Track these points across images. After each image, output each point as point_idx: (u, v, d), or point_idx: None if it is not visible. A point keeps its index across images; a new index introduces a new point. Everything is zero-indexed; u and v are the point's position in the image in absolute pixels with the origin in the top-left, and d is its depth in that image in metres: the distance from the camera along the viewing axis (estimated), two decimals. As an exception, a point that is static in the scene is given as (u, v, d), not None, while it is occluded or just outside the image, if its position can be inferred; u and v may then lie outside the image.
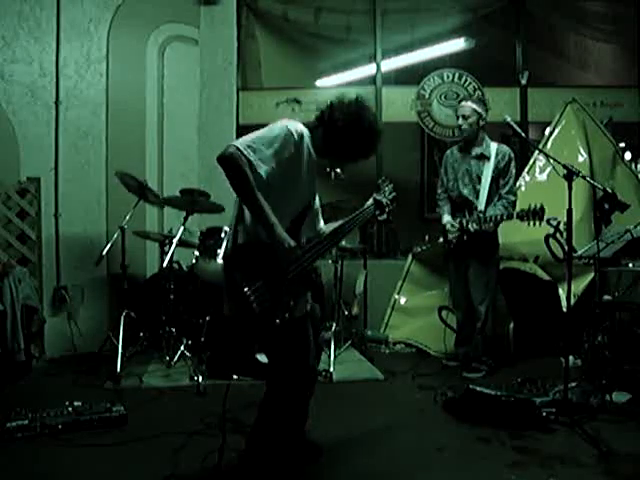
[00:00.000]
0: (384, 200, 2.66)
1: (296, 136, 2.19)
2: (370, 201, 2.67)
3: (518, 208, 3.85)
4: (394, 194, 2.77)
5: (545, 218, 3.68)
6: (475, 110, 3.99)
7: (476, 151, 4.05)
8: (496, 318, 4.32)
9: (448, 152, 4.30)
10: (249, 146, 2.08)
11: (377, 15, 5.67)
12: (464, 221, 3.98)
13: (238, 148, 2.06)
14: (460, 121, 4.04)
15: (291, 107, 5.59)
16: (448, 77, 5.60)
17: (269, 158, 2.11)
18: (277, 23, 5.87)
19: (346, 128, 2.27)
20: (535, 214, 3.60)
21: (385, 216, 2.70)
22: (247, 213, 2.21)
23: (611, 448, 2.71)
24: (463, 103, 4.09)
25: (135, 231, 4.36)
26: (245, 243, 2.21)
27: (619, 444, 2.76)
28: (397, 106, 5.63)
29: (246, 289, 2.09)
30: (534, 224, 3.64)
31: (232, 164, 2.06)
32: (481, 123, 4.01)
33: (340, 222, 2.49)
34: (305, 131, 2.26)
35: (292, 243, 2.14)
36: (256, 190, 2.08)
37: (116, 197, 4.70)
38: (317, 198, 2.54)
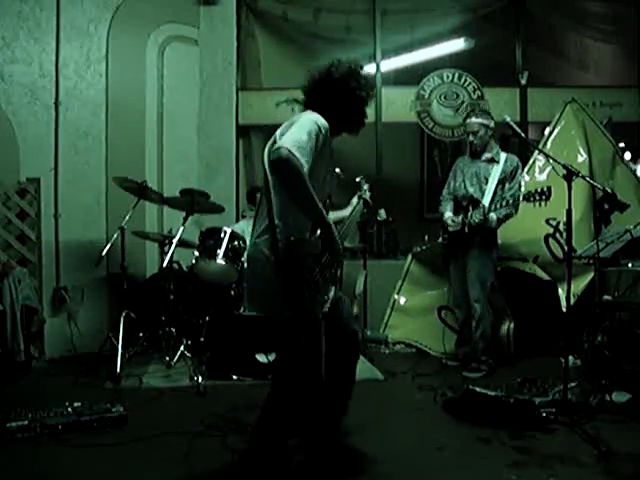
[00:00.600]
0: (368, 198, 2.69)
1: (323, 130, 2.17)
2: (355, 199, 2.69)
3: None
4: (370, 193, 2.78)
5: (545, 218, 3.68)
6: (482, 124, 4.11)
7: (486, 156, 4.16)
8: (496, 318, 4.33)
9: (459, 158, 4.42)
10: (297, 147, 2.03)
11: (377, 15, 5.68)
12: (467, 215, 4.03)
13: (290, 150, 2.00)
14: (470, 137, 4.18)
15: (291, 107, 5.59)
16: (448, 77, 5.61)
17: (309, 155, 2.08)
18: (277, 23, 5.87)
19: (340, 85, 2.27)
20: (542, 194, 3.59)
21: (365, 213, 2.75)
22: (287, 211, 2.18)
23: (611, 448, 2.71)
24: (469, 120, 4.18)
25: (135, 231, 4.36)
26: (296, 239, 2.17)
27: (619, 444, 2.76)
28: (397, 106, 5.64)
29: (314, 277, 2.12)
30: (539, 205, 3.63)
31: (290, 168, 2.00)
32: (490, 133, 4.14)
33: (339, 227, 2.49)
34: (325, 121, 2.21)
35: (339, 239, 2.20)
36: (310, 185, 2.06)
37: (116, 197, 4.70)
38: None
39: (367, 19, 5.73)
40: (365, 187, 2.75)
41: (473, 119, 4.14)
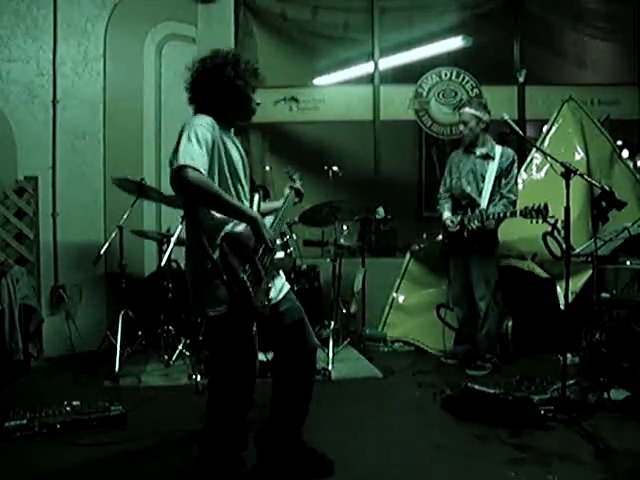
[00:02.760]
0: (299, 187, 2.74)
1: (209, 127, 2.17)
2: (287, 189, 2.72)
3: (520, 206, 3.86)
4: (301, 181, 2.81)
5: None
6: (474, 115, 4.07)
7: (481, 151, 4.11)
8: (497, 315, 4.33)
9: (453, 153, 4.38)
10: (192, 159, 2.04)
11: (375, 13, 5.68)
12: (465, 218, 4.02)
13: (187, 166, 2.02)
14: (461, 127, 4.16)
15: (289, 105, 5.59)
16: (446, 75, 5.61)
17: (206, 159, 2.10)
18: (275, 21, 5.86)
19: (214, 76, 2.28)
20: (539, 212, 3.62)
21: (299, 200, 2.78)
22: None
23: (609, 445, 2.71)
24: (462, 110, 4.17)
25: (133, 230, 4.36)
26: (225, 234, 2.15)
27: (617, 441, 2.76)
28: (395, 104, 5.64)
29: (242, 276, 2.10)
30: (537, 221, 3.66)
31: (194, 187, 2.03)
32: (482, 126, 4.09)
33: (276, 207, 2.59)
34: (209, 118, 2.22)
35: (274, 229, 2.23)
36: (221, 192, 2.11)
37: (114, 196, 4.69)
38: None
39: (365, 17, 5.73)
40: (295, 176, 2.80)
41: (466, 109, 4.12)
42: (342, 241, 4.79)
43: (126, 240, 4.20)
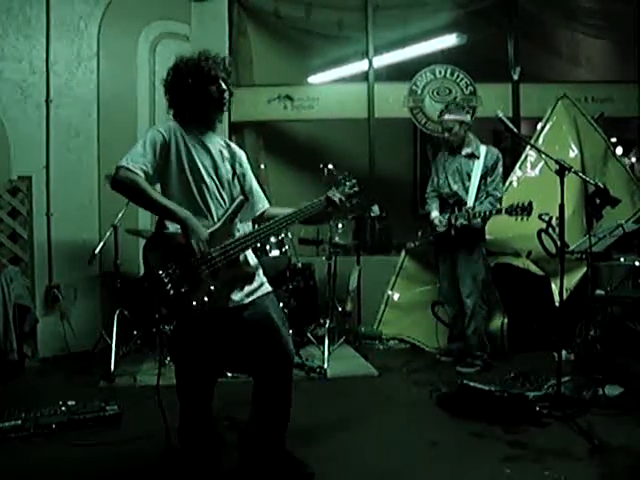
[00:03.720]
0: (337, 197, 2.48)
1: (163, 132, 2.28)
2: (322, 198, 2.52)
3: (507, 204, 3.88)
4: (356, 189, 2.62)
5: (537, 214, 3.70)
6: (455, 120, 4.10)
7: (466, 151, 4.15)
8: (489, 313, 4.34)
9: (439, 154, 4.41)
10: (129, 159, 2.20)
11: (369, 11, 5.66)
12: (452, 217, 4.06)
13: (121, 166, 2.18)
14: (446, 135, 4.18)
15: (283, 104, 5.58)
16: (440, 73, 5.61)
17: (147, 159, 2.21)
18: (269, 19, 5.85)
19: (178, 79, 2.39)
20: (523, 209, 3.65)
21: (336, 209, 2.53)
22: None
23: (603, 441, 2.72)
24: (442, 117, 4.20)
25: (128, 229, 4.34)
26: (160, 232, 2.26)
27: (612, 437, 2.78)
28: (389, 102, 5.63)
29: (160, 272, 2.13)
30: (522, 219, 3.68)
31: (120, 183, 2.17)
32: (465, 127, 4.13)
33: (287, 212, 2.43)
34: (171, 123, 2.34)
35: (201, 231, 2.18)
36: (147, 190, 2.16)
37: (108, 195, 4.62)
38: (252, 181, 2.55)
39: (359, 15, 5.72)
40: (348, 184, 2.60)
41: (446, 116, 4.15)
42: (337, 239, 4.79)
43: (121, 239, 4.19)
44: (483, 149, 4.12)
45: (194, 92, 2.35)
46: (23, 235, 4.43)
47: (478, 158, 4.10)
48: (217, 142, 2.43)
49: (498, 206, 3.97)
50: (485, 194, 4.06)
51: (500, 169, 4.14)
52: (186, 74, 2.36)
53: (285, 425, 2.44)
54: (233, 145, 2.55)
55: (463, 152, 4.15)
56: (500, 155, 4.15)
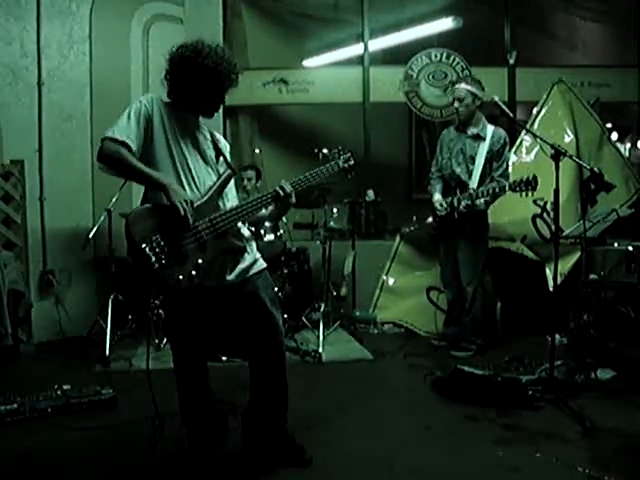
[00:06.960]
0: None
1: (146, 103, 2.27)
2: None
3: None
4: (351, 162, 2.54)
5: (532, 199, 3.69)
6: (469, 91, 3.97)
7: (472, 131, 4.04)
8: (484, 298, 4.36)
9: (445, 131, 4.29)
10: (114, 129, 2.18)
11: (365, -6, 5.60)
12: (455, 200, 3.98)
13: (105, 137, 2.16)
14: (455, 104, 4.02)
15: (278, 87, 5.53)
16: (436, 57, 5.57)
17: (130, 130, 2.18)
18: (264, 2, 5.79)
19: (182, 64, 2.28)
20: (528, 184, 3.60)
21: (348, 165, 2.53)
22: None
23: (595, 424, 2.76)
24: (457, 85, 4.06)
25: (122, 213, 4.30)
26: (142, 206, 2.24)
27: (603, 420, 2.81)
28: (385, 86, 5.59)
29: (143, 245, 2.09)
30: (527, 194, 3.63)
31: (103, 154, 2.15)
32: (477, 103, 3.99)
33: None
34: (154, 95, 2.33)
35: (186, 196, 2.15)
36: (128, 157, 2.14)
37: (102, 179, 4.62)
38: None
39: (355, -2, 5.66)
40: (342, 157, 2.54)
41: (462, 85, 4.01)
42: (332, 224, 4.78)
43: (115, 224, 4.16)
44: (490, 130, 3.99)
45: (194, 91, 2.31)
46: (16, 220, 4.40)
47: (484, 140, 3.98)
48: (202, 126, 2.42)
49: (503, 182, 3.84)
50: (490, 179, 3.96)
51: (507, 154, 4.03)
52: (189, 71, 2.28)
53: (284, 407, 2.46)
54: (217, 134, 2.53)
55: (469, 132, 4.03)
56: (507, 139, 4.02)
